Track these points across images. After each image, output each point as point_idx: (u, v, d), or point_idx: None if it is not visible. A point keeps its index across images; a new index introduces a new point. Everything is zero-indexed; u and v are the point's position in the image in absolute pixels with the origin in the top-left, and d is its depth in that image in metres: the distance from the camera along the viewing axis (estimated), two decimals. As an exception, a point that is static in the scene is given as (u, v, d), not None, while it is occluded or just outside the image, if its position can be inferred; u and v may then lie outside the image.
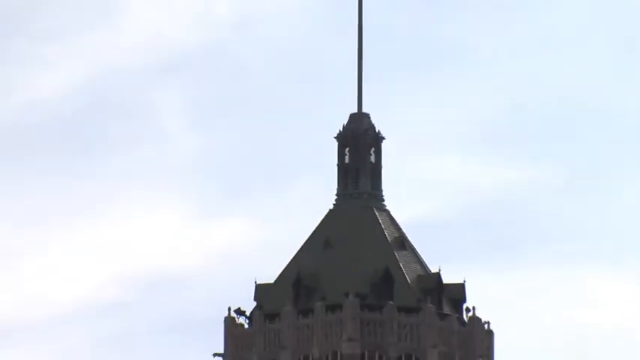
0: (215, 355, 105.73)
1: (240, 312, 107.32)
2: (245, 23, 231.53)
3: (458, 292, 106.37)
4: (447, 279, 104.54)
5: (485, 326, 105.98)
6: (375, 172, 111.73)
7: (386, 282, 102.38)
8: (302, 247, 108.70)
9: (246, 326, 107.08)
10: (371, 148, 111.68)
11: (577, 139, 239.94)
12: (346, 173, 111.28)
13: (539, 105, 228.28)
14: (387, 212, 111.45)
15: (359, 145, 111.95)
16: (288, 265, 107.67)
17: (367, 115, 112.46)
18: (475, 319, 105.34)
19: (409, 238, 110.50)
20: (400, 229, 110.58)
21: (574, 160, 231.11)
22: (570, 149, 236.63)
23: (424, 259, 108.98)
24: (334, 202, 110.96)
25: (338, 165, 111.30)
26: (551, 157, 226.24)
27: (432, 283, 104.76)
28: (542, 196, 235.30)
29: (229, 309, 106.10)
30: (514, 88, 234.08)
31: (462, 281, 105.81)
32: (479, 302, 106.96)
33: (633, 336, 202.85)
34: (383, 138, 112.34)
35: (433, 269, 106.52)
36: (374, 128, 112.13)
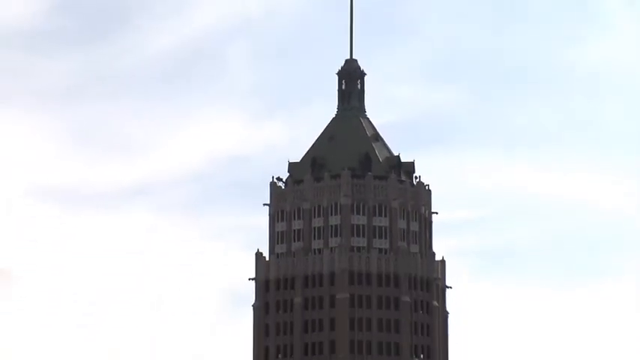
0: (264, 204, 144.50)
1: (279, 179, 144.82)
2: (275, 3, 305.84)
3: (410, 167, 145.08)
4: (404, 159, 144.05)
5: (427, 187, 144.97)
6: (360, 94, 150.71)
7: (367, 161, 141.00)
8: (316, 139, 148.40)
9: (283, 187, 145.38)
10: (358, 80, 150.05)
11: (488, 70, 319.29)
12: (343, 95, 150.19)
13: (468, 50, 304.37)
14: (368, 119, 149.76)
15: (351, 78, 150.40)
16: (308, 150, 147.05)
17: (356, 60, 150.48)
18: (420, 183, 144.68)
19: (381, 134, 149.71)
20: (375, 128, 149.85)
21: (484, 84, 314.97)
22: (483, 77, 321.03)
23: (390, 147, 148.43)
24: (335, 113, 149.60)
25: (338, 90, 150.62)
26: (473, 82, 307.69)
27: (394, 162, 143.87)
28: (466, 106, 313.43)
29: (272, 177, 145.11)
30: (451, 39, 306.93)
31: (412, 160, 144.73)
32: (423, 173, 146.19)
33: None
34: (365, 74, 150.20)
35: (395, 153, 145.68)
36: (359, 68, 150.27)
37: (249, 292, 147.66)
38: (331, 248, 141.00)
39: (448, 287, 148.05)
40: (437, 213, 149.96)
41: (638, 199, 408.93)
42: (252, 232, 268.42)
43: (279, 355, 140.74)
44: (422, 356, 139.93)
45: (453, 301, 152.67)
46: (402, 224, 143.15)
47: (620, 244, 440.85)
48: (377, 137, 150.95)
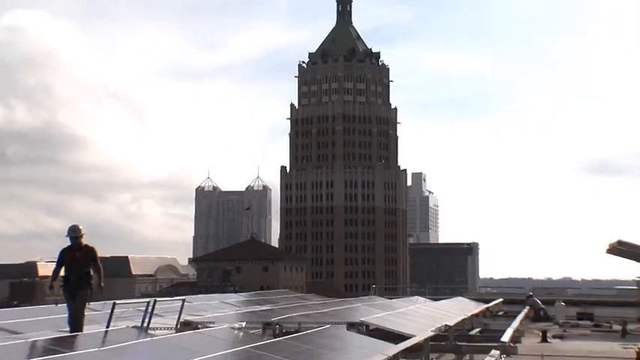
0: (295, 76, 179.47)
1: (303, 62, 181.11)
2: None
3: (378, 55, 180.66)
4: (374, 50, 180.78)
5: (387, 67, 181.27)
6: (349, 13, 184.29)
7: (353, 52, 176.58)
8: (324, 39, 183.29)
9: (305, 67, 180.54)
10: (348, 4, 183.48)
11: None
12: (340, 14, 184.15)
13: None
14: (354, 27, 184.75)
15: (344, 3, 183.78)
16: (319, 45, 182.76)
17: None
18: (383, 64, 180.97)
19: (361, 36, 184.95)
20: (358, 33, 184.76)
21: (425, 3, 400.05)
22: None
23: (366, 43, 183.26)
24: (335, 24, 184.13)
25: (336, 10, 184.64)
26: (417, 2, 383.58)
27: (369, 52, 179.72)
28: (412, 18, 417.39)
29: (299, 60, 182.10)
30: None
31: (379, 51, 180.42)
32: (385, 57, 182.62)
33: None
34: (352, 0, 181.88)
35: (369, 46, 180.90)
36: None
37: (286, 126, 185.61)
38: (333, 101, 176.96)
39: (398, 123, 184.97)
40: (392, 81, 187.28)
41: (494, 67, 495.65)
42: (288, 92, 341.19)
43: (304, 161, 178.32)
44: (383, 161, 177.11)
45: (400, 130, 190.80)
46: (372, 87, 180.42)
47: (491, 95, 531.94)
48: (359, 37, 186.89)
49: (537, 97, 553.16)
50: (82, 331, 13.65)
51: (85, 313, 15.32)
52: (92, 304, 21.47)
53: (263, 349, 9.75)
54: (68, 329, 13.98)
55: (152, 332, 14.50)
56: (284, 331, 15.89)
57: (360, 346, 12.18)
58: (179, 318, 17.06)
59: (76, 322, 14.02)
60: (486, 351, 14.09)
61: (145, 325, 15.07)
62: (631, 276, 29.57)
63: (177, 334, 14.07)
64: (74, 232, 14.31)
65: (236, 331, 14.12)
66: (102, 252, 15.82)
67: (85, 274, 14.20)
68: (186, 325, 15.99)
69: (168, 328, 15.77)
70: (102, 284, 14.66)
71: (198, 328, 15.04)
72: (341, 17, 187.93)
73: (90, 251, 14.41)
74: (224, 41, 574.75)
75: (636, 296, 34.70)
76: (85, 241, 14.55)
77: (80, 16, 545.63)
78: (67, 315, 14.49)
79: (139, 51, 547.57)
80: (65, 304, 14.66)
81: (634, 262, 26.68)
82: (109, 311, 16.04)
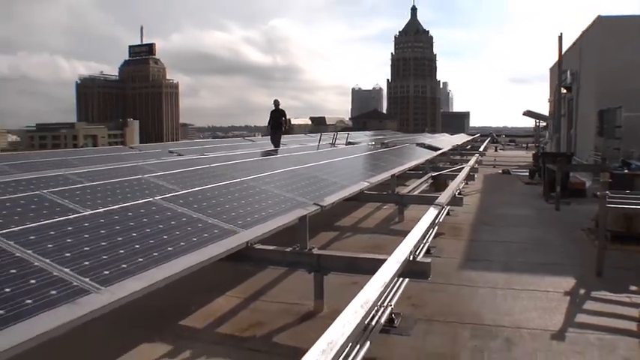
0: (392, 41, 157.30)
1: (398, 33, 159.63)
2: None
3: (428, 32, 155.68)
4: (427, 29, 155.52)
5: (431, 33, 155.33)
6: (415, 13, 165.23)
7: (418, 30, 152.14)
8: (406, 23, 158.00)
9: (398, 37, 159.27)
10: (415, 10, 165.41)
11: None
12: (412, 12, 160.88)
13: None
14: (417, 20, 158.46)
15: (414, 9, 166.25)
16: (405, 24, 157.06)
17: None
18: (430, 35, 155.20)
19: (421, 23, 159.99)
20: (419, 22, 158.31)
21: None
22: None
23: (423, 26, 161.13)
24: (410, 17, 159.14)
25: (410, 13, 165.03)
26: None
27: (424, 30, 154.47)
28: None
29: (395, 35, 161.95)
30: None
31: (428, 30, 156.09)
32: (431, 30, 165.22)
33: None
34: None
35: (425, 27, 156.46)
36: None
37: (389, 61, 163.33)
38: (408, 50, 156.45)
39: (437, 60, 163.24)
40: (434, 42, 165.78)
41: (479, 31, 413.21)
42: (390, 47, 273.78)
43: (396, 77, 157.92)
44: (430, 77, 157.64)
45: (438, 63, 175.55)
46: (425, 45, 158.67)
47: (475, 45, 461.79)
48: (419, 24, 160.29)
49: (491, 42, 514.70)
50: (279, 147, 12.32)
51: (303, 139, 15.01)
52: (310, 134, 21.42)
53: (381, 152, 9.30)
54: (273, 147, 12.57)
55: (336, 146, 14.30)
56: (389, 146, 15.27)
57: (421, 152, 11.47)
58: (347, 139, 16.93)
59: (276, 144, 12.78)
60: (473, 154, 13.06)
61: (333, 142, 15.00)
62: (531, 124, 28.39)
63: (347, 146, 13.81)
64: (276, 103, 12.87)
65: (370, 145, 13.67)
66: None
67: (280, 122, 12.68)
68: (350, 143, 15.71)
69: (342, 144, 15.60)
70: (287, 127, 13.35)
71: (354, 144, 14.70)
72: (413, 15, 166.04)
73: (282, 111, 12.78)
74: (360, 25, 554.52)
75: (532, 133, 32.90)
76: (282, 107, 12.91)
77: (295, 16, 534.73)
78: (273, 141, 12.93)
79: (319, 30, 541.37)
80: (270, 136, 13.16)
81: (534, 119, 25.11)
82: (319, 137, 16.11)
